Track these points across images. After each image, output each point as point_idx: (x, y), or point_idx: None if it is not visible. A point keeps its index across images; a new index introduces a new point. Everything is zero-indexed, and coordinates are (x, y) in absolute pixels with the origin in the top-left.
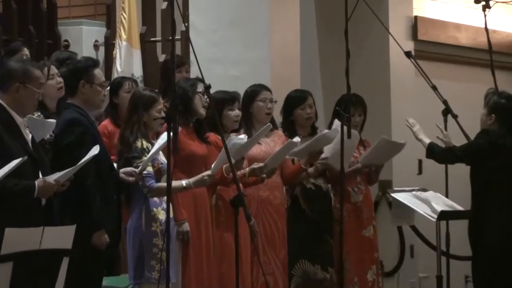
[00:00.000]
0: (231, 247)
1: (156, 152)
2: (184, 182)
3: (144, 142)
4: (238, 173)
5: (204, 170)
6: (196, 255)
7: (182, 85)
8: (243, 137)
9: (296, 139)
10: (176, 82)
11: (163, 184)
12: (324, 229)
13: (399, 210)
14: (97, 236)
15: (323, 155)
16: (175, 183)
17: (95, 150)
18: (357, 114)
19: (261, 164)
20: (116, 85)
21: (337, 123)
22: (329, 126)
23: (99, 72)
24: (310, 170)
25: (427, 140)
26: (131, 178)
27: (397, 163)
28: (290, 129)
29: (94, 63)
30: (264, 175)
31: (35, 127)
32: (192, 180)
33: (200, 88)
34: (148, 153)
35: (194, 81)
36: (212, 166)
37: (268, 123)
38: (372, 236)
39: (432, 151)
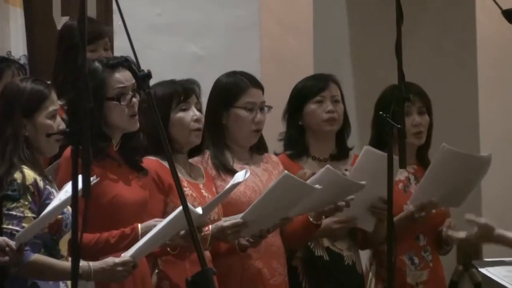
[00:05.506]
0: None
1: (57, 210)
2: (81, 266)
3: (30, 173)
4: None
5: (144, 221)
6: None
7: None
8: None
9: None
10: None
11: (44, 258)
12: None
13: None
14: None
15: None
16: (61, 262)
17: None
18: (415, 112)
19: (237, 220)
20: None
21: (367, 149)
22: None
23: None
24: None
25: None
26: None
27: (489, 210)
28: (296, 143)
29: None
30: (246, 243)
31: None
32: (95, 265)
33: (118, 82)
34: (36, 191)
35: (100, 71)
36: (134, 249)
37: (242, 171)
38: None
39: None
